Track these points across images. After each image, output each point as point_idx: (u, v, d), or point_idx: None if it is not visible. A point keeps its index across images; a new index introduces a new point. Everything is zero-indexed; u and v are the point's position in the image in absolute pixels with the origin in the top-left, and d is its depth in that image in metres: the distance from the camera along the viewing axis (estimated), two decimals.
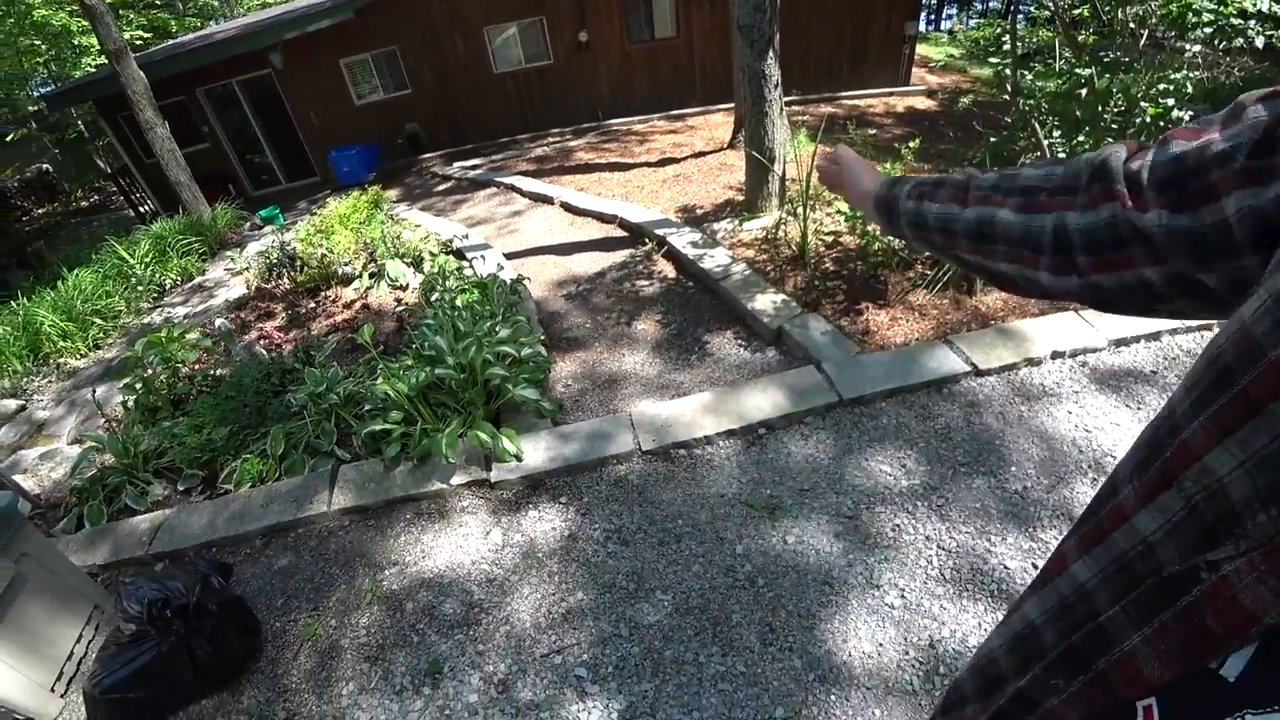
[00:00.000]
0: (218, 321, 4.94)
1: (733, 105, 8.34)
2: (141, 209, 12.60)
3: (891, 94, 11.78)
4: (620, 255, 5.52)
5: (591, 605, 2.57)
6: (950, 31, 23.13)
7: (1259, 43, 3.84)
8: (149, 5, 19.53)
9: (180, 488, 3.54)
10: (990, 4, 26.30)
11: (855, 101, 11.41)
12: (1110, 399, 3.34)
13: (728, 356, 3.99)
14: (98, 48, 14.31)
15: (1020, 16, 11.48)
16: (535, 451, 3.24)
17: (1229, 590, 0.40)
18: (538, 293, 5.09)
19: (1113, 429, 3.16)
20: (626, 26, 11.92)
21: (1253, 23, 3.70)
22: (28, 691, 2.43)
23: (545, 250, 5.95)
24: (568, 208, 6.95)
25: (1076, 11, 4.63)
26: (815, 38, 11.61)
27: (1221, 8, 3.70)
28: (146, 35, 17.83)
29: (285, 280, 6.02)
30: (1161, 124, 4.15)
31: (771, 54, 5.03)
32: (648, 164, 8.26)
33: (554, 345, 4.33)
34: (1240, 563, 0.39)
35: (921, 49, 15.11)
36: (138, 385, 4.24)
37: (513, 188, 8.22)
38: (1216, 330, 0.46)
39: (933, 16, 27.36)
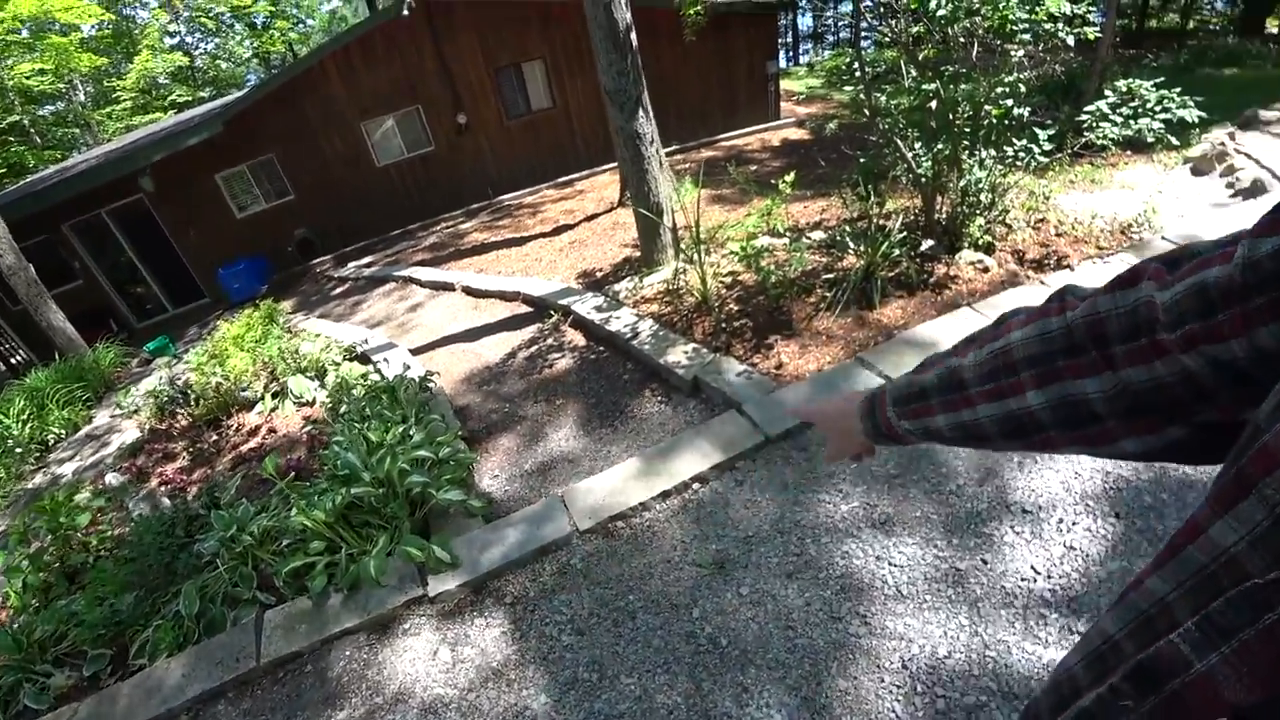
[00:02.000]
0: (108, 476, 4.59)
1: (617, 164, 8.55)
2: (13, 360, 11.71)
3: (765, 130, 12.40)
4: (528, 332, 5.49)
5: (556, 706, 2.45)
6: (810, 65, 24.65)
7: (1070, 40, 4.27)
8: (2, 143, 18.61)
9: (86, 673, 3.20)
10: (841, 35, 28.29)
11: (733, 142, 11.94)
12: None
13: (651, 416, 3.98)
14: None
15: (867, 42, 12.35)
16: (471, 553, 3.11)
17: None
18: (450, 385, 4.97)
19: None
20: (503, 103, 12.17)
21: (1060, 24, 4.11)
22: None
23: (452, 339, 5.86)
24: (469, 291, 6.90)
25: (914, 31, 4.99)
26: (686, 89, 12.15)
27: (1032, 15, 4.07)
28: (0, 172, 16.95)
29: (181, 417, 5.68)
30: (1006, 122, 4.50)
31: (642, 113, 5.20)
32: (543, 234, 8.35)
33: (474, 437, 4.22)
34: None
35: (785, 84, 16.01)
36: (24, 564, 3.86)
37: (410, 279, 8.12)
38: None
39: (791, 53, 29.14)
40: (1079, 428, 0.63)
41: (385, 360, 5.41)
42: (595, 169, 12.02)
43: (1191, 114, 6.15)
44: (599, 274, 6.15)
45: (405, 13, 10.64)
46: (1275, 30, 14.94)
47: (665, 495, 3.18)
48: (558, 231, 8.29)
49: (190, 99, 22.89)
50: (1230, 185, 5.81)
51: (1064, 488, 2.87)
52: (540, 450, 3.97)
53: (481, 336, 5.71)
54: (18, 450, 6.64)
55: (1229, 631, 0.41)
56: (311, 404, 5.20)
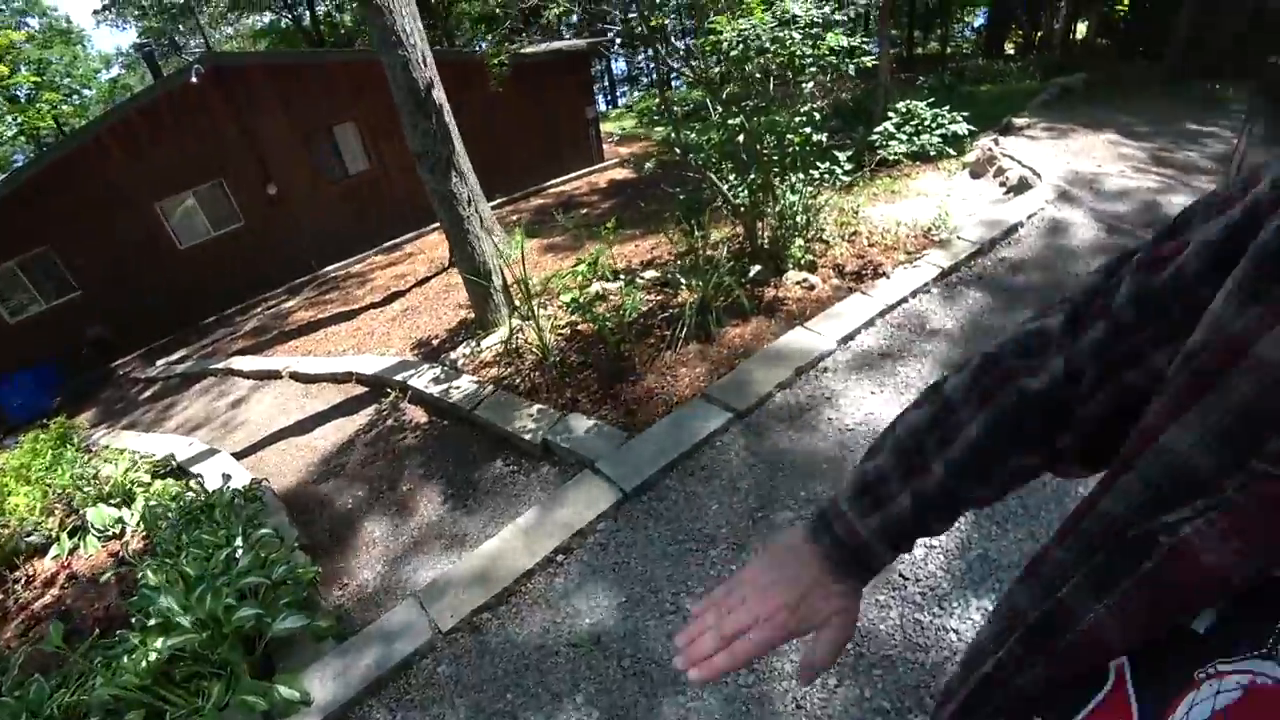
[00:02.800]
0: None
1: None
2: None
3: (591, 173, 12.64)
4: (365, 415, 5.11)
5: None
6: (628, 106, 25.60)
7: (852, 70, 4.65)
8: None
9: None
10: (653, 76, 29.57)
11: (562, 188, 12.06)
12: (856, 391, 3.71)
13: (505, 488, 3.78)
14: None
15: (678, 82, 12.98)
16: (325, 685, 2.77)
17: (1192, 552, 0.39)
18: (284, 488, 4.50)
19: (868, 416, 3.48)
20: (317, 169, 11.57)
21: (841, 56, 4.45)
22: None
23: (282, 435, 5.34)
24: (297, 378, 6.36)
25: (716, 71, 5.22)
26: (509, 140, 12.13)
27: (815, 50, 4.38)
28: None
29: None
30: (808, 148, 4.79)
31: (454, 174, 5.05)
32: (373, 305, 7.97)
33: (317, 544, 3.82)
34: (1199, 523, 0.38)
35: (606, 126, 16.48)
36: None
37: (230, 371, 7.38)
38: None
39: (609, 96, 30.11)
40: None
41: (203, 472, 4.82)
42: (424, 229, 11.64)
43: (962, 127, 6.90)
44: (435, 341, 5.88)
45: (194, 79, 9.84)
46: (1011, 50, 17.66)
47: (529, 575, 3.01)
48: (389, 300, 7.92)
49: None
50: (1003, 184, 6.54)
51: None
52: (392, 545, 3.65)
53: (316, 427, 5.24)
54: None
55: (1110, 583, 0.44)
56: (120, 536, 4.52)
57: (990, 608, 2.40)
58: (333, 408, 5.46)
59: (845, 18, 4.55)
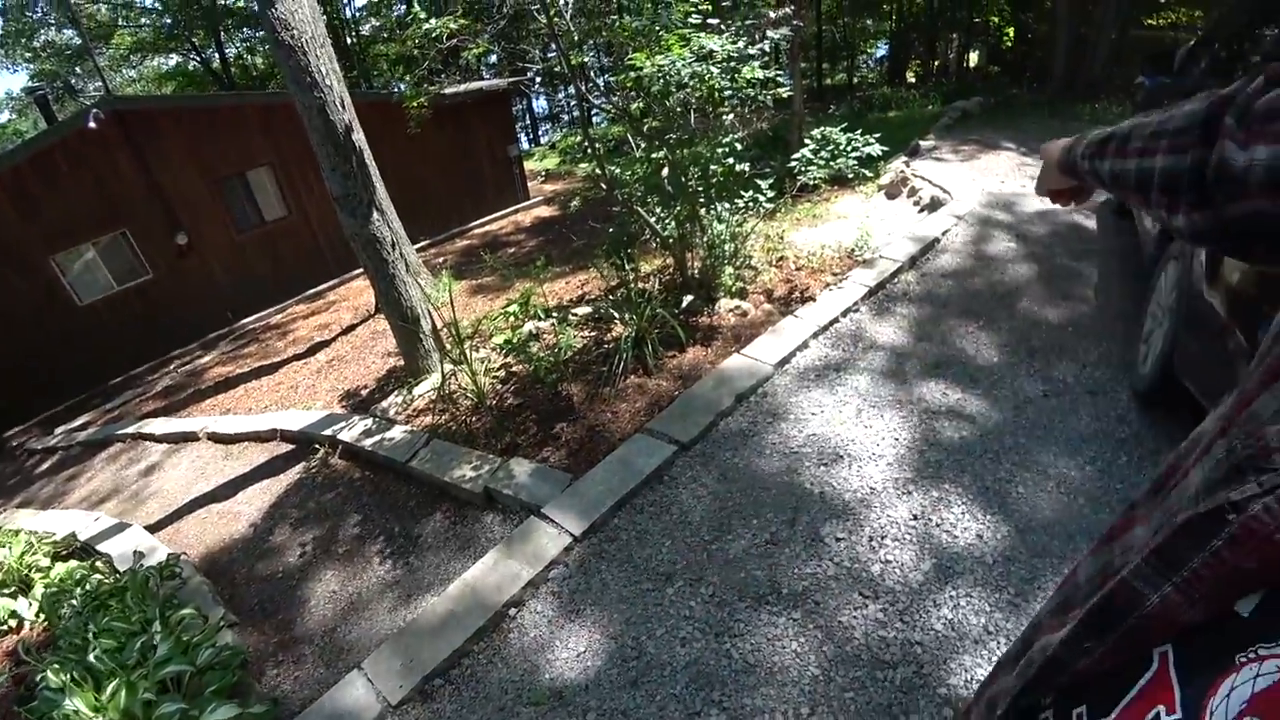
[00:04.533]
0: None
1: None
2: None
3: (517, 211, 12.61)
4: (293, 474, 4.82)
5: None
6: (551, 144, 25.75)
7: (769, 101, 4.77)
8: None
9: None
10: (574, 114, 29.82)
11: (487, 228, 11.98)
12: (797, 412, 3.72)
13: (447, 543, 3.61)
14: None
15: (599, 118, 13.14)
16: None
17: (1262, 530, 0.39)
18: (206, 561, 4.17)
19: (812, 437, 3.49)
20: (230, 216, 11.09)
21: (758, 89, 4.58)
22: None
23: (202, 501, 4.98)
24: (216, 438, 5.97)
25: (635, 107, 5.28)
26: (432, 181, 11.97)
27: (734, 83, 4.48)
28: None
29: None
30: (731, 178, 4.88)
31: (377, 217, 4.90)
32: (296, 357, 7.64)
33: (248, 618, 3.54)
34: (1270, 500, 0.38)
35: (530, 165, 16.51)
36: None
37: (140, 436, 6.88)
38: None
39: (531, 134, 30.15)
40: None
41: (112, 551, 4.43)
42: (347, 275, 11.31)
43: (875, 149, 7.17)
44: (365, 392, 5.65)
45: (92, 124, 9.30)
46: (912, 79, 18.90)
47: (481, 633, 2.85)
48: (313, 351, 7.61)
49: None
50: (916, 204, 6.82)
51: (864, 504, 3.02)
52: (331, 613, 3.42)
53: (239, 490, 4.91)
54: None
55: (1179, 561, 0.44)
56: (16, 630, 4.09)
57: None
58: (257, 469, 5.14)
59: (760, 51, 4.68)
